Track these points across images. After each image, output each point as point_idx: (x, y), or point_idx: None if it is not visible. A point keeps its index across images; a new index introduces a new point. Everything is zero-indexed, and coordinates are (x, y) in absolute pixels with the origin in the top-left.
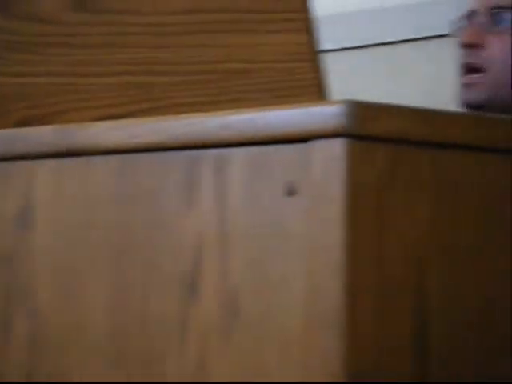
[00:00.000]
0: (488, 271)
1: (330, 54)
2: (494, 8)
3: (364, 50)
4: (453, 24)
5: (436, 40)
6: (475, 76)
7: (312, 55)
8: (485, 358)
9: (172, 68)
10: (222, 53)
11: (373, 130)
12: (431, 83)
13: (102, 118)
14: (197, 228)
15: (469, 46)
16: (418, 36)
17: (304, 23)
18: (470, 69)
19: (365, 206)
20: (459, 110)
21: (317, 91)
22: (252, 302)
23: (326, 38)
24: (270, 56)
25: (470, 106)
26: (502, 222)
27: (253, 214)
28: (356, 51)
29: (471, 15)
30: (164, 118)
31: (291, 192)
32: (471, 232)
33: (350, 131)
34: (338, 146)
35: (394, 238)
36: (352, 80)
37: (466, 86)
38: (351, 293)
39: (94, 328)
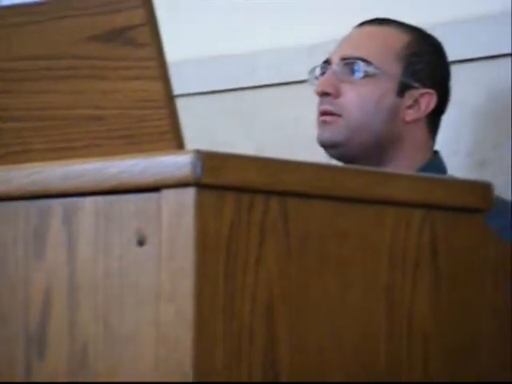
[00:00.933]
0: (339, 318)
1: (190, 98)
2: (347, 59)
3: (227, 93)
4: (309, 73)
5: (296, 85)
6: (331, 117)
7: (166, 102)
8: None
9: (24, 114)
10: (73, 99)
11: (222, 180)
12: (291, 127)
13: None
14: (45, 281)
15: (325, 94)
16: (282, 81)
17: (157, 70)
18: (327, 114)
19: (214, 256)
20: (315, 156)
21: (171, 138)
22: (101, 354)
23: (185, 83)
24: (123, 103)
25: (324, 144)
26: (355, 269)
27: (103, 263)
28: (217, 95)
29: (327, 64)
30: (11, 167)
31: (142, 241)
32: (321, 280)
33: (199, 181)
34: (187, 196)
35: (243, 288)
36: (213, 124)
37: (323, 123)
38: (201, 344)
39: None
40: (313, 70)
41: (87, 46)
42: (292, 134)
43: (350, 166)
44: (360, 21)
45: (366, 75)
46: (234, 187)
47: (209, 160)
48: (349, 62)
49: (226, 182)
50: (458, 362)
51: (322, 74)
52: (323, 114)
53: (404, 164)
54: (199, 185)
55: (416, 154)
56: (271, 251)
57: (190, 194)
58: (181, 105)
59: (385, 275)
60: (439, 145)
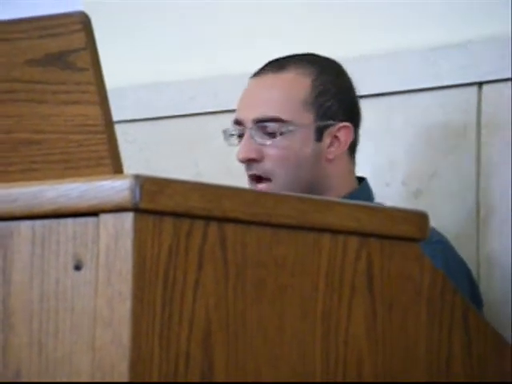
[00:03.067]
0: (276, 345)
1: (129, 124)
2: (260, 121)
3: (166, 120)
4: (225, 136)
5: (233, 114)
6: (262, 186)
7: (105, 127)
8: None
9: None
10: (12, 122)
11: (161, 205)
12: (230, 154)
13: None
14: None
15: (249, 161)
16: (222, 109)
17: (96, 95)
18: (256, 179)
19: (152, 281)
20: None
21: (110, 163)
22: (35, 379)
23: (123, 109)
24: (62, 127)
25: None
26: (292, 296)
27: (39, 288)
28: (156, 122)
29: (238, 125)
30: None
31: (79, 266)
32: (258, 307)
33: (137, 206)
34: (125, 221)
35: (181, 314)
36: (152, 151)
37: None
38: (137, 370)
39: None
40: (227, 133)
41: (26, 70)
42: (232, 162)
43: (287, 193)
44: (299, 50)
45: (283, 134)
46: (173, 213)
47: (147, 185)
48: (263, 126)
49: (164, 208)
50: None
51: (239, 136)
52: (253, 179)
53: (332, 194)
54: (137, 210)
55: (343, 186)
56: (209, 277)
57: (128, 218)
58: (120, 131)
59: (321, 302)
60: (371, 176)
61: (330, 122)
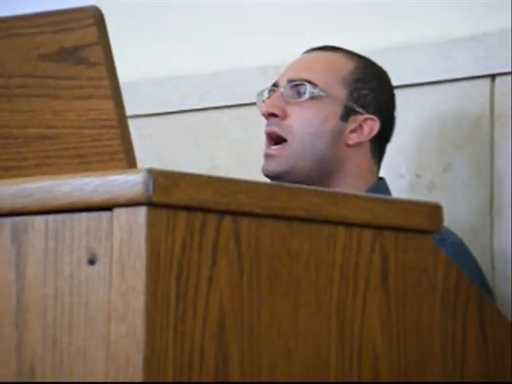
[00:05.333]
0: (290, 338)
1: (143, 119)
2: (293, 81)
3: (181, 114)
4: (257, 95)
5: (247, 107)
6: (275, 147)
7: (118, 122)
8: None
9: None
10: (25, 117)
11: (174, 199)
12: (243, 148)
13: None
14: None
15: (271, 115)
16: (236, 102)
17: (110, 89)
18: (272, 137)
19: (166, 275)
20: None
21: (123, 158)
22: (49, 374)
23: (137, 104)
24: (76, 122)
25: (269, 176)
26: (306, 289)
27: (53, 283)
28: (170, 116)
29: (274, 87)
30: None
31: (92, 261)
32: (272, 300)
33: (150, 200)
34: (139, 215)
35: (195, 308)
36: (165, 145)
37: (267, 156)
38: (152, 364)
39: None
40: (261, 92)
41: (39, 65)
42: (247, 155)
43: (302, 186)
44: (312, 43)
45: (312, 97)
46: (187, 206)
47: (161, 179)
48: (295, 84)
49: (178, 202)
50: (406, 381)
51: (270, 97)
52: (270, 139)
53: (348, 188)
54: (151, 204)
55: (359, 179)
56: (223, 271)
57: (141, 213)
58: (133, 126)
59: (336, 295)
60: (385, 168)
61: (360, 109)
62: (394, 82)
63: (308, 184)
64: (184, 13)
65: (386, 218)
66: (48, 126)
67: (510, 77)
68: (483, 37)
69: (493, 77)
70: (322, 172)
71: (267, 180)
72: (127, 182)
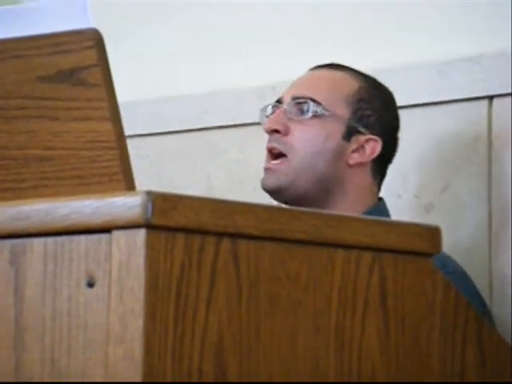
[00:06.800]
0: (289, 360)
1: (140, 139)
2: (297, 98)
3: (179, 134)
4: (261, 110)
5: (244, 128)
6: (275, 162)
7: (117, 143)
8: None
9: None
10: (24, 139)
11: (173, 221)
12: (240, 169)
13: None
14: None
15: (274, 132)
16: (234, 123)
17: (108, 111)
18: (273, 153)
19: (165, 298)
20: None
21: (122, 179)
22: None
23: (135, 123)
24: (74, 143)
25: (267, 190)
26: (305, 311)
27: (51, 305)
28: (167, 136)
29: (278, 104)
30: None
31: (91, 283)
32: (271, 322)
33: (149, 222)
34: (138, 237)
35: (193, 330)
36: (163, 165)
37: (266, 171)
38: None
39: None
40: (264, 108)
41: (38, 86)
42: (244, 175)
43: (301, 208)
44: (309, 64)
45: (315, 115)
46: (185, 229)
47: (160, 201)
48: (299, 102)
49: (176, 224)
50: None
51: (273, 112)
52: (271, 155)
53: (347, 208)
54: (149, 226)
55: (359, 199)
56: (222, 293)
57: (140, 235)
58: (131, 145)
59: (334, 316)
60: (383, 188)
61: (363, 129)
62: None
63: (306, 201)
64: (182, 33)
65: (386, 241)
66: (46, 147)
67: (507, 98)
68: (480, 58)
69: (490, 98)
70: (322, 190)
71: (265, 201)
72: (126, 205)
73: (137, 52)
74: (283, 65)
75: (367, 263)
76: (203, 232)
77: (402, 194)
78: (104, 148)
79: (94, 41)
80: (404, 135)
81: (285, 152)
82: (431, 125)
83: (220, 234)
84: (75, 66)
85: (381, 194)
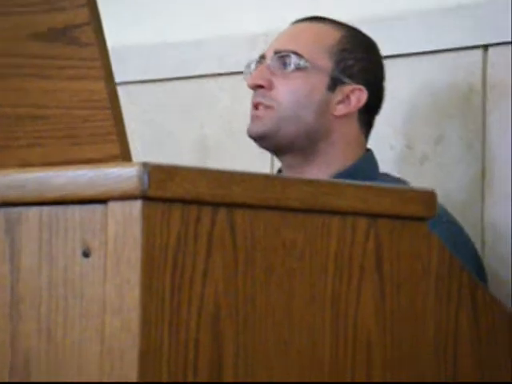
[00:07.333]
0: (285, 329)
1: (131, 86)
2: (280, 52)
3: (172, 82)
4: (245, 68)
5: (237, 76)
6: (261, 109)
7: (110, 103)
8: None
9: None
10: (16, 97)
11: (169, 193)
12: (232, 117)
13: None
14: None
15: (258, 87)
16: (227, 71)
17: (101, 70)
18: (258, 108)
19: (161, 269)
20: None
21: (116, 139)
22: (44, 366)
23: (126, 70)
24: (67, 102)
25: (252, 136)
26: (301, 279)
27: (47, 275)
28: (160, 83)
29: (261, 59)
30: None
31: (87, 253)
32: (267, 291)
33: (145, 193)
34: (134, 208)
35: (190, 301)
36: (155, 112)
37: (253, 118)
38: (147, 357)
39: None
40: (248, 65)
41: (30, 44)
42: (237, 124)
43: (296, 176)
44: (301, 13)
45: (298, 68)
46: (181, 199)
47: (155, 173)
48: (281, 56)
49: (173, 195)
50: (400, 370)
51: (257, 68)
52: (255, 106)
53: (335, 158)
54: (146, 197)
55: (347, 150)
56: (218, 263)
57: (136, 206)
58: (123, 92)
59: (330, 285)
60: (375, 139)
61: (347, 79)
62: (385, 52)
63: (292, 149)
64: None
65: (380, 206)
66: (39, 105)
67: (502, 47)
68: (475, 7)
69: (485, 47)
70: (309, 141)
71: (256, 148)
72: (122, 176)
73: (128, 0)
74: (275, 13)
75: (363, 229)
76: (200, 202)
77: (395, 145)
78: (97, 108)
79: None
80: (396, 85)
81: (270, 104)
82: (425, 75)
83: (216, 204)
84: (67, 24)
85: (372, 145)
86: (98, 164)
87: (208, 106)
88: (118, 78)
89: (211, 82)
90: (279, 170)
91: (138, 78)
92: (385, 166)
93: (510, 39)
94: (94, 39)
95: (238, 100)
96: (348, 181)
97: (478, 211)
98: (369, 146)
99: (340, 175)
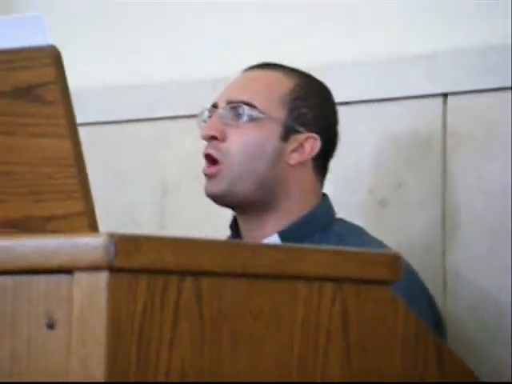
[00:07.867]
0: None
1: (92, 127)
2: (232, 102)
3: (128, 124)
4: (198, 116)
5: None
6: (210, 167)
7: (75, 160)
8: None
9: None
10: None
11: (135, 263)
12: (193, 160)
13: None
14: None
15: (211, 138)
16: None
17: (66, 128)
18: (209, 160)
19: (127, 340)
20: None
21: (80, 197)
22: None
23: (86, 112)
24: (32, 159)
25: (209, 196)
26: (268, 345)
27: (10, 347)
28: (121, 125)
29: (214, 108)
30: None
31: (51, 325)
32: (233, 359)
33: (112, 264)
34: (100, 279)
35: (156, 371)
36: (117, 153)
37: (206, 177)
38: None
39: None
40: (201, 113)
41: None
42: (194, 166)
43: (262, 243)
44: (264, 57)
45: (251, 119)
46: (148, 270)
47: (122, 243)
48: (234, 106)
49: (139, 265)
50: None
51: (210, 117)
52: (206, 157)
53: (291, 207)
54: (112, 268)
55: (303, 198)
56: (185, 333)
57: (102, 277)
58: (84, 133)
59: (297, 350)
60: (337, 185)
61: (300, 128)
62: (346, 98)
63: (249, 205)
64: (135, 22)
65: (346, 271)
66: (3, 162)
67: (461, 96)
68: (435, 55)
69: (445, 95)
70: (265, 193)
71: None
72: (88, 245)
73: (89, 39)
74: (238, 57)
75: (329, 294)
76: (166, 272)
77: (357, 191)
78: (62, 165)
79: (52, 58)
80: (358, 131)
81: (219, 159)
82: (386, 121)
83: (183, 273)
84: (32, 83)
85: (335, 190)
86: (63, 234)
87: (168, 147)
88: (78, 119)
89: (172, 124)
90: (234, 219)
91: (99, 119)
92: (348, 210)
93: (468, 88)
94: (58, 97)
95: (199, 142)
96: (313, 246)
97: (439, 255)
98: (332, 190)
99: (297, 223)
